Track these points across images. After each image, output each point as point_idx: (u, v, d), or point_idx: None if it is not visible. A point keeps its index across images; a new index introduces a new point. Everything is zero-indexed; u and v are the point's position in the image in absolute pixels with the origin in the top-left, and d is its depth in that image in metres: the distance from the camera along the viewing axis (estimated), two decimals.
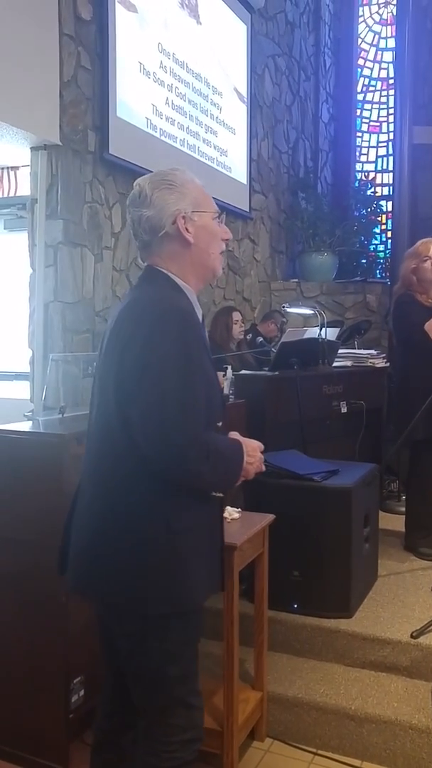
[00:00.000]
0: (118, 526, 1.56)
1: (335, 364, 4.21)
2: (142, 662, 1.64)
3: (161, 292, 1.60)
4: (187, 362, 1.51)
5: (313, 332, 4.20)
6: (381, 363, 4.49)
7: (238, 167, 5.84)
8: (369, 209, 7.46)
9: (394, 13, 7.97)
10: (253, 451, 1.71)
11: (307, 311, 4.70)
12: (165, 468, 1.50)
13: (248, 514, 2.50)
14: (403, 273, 3.66)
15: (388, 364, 4.51)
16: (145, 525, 1.54)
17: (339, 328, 4.82)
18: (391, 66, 8.21)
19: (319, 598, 2.92)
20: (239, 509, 2.49)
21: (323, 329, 4.05)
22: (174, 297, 1.60)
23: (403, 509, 3.90)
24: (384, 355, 4.68)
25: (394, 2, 7.80)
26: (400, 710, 2.50)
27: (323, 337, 4.02)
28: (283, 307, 4.62)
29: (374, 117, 8.48)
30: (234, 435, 1.76)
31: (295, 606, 2.92)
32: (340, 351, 4.35)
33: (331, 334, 4.30)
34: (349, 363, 4.32)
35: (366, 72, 8.53)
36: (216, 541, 1.72)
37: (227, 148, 5.61)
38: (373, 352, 4.62)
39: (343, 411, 4.09)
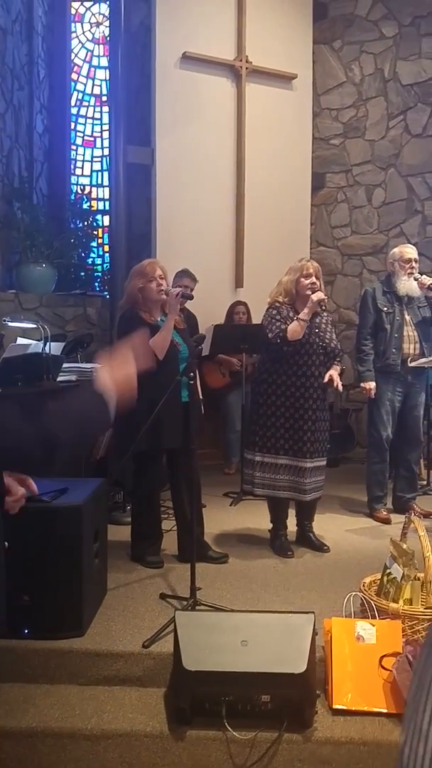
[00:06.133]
0: None
1: (60, 378, 4.18)
2: None
3: None
4: None
5: (36, 346, 4.13)
6: None
7: None
8: (85, 223, 7.52)
9: (106, 34, 8.16)
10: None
11: (30, 325, 4.60)
12: None
13: None
14: (130, 290, 3.75)
15: None
16: None
17: (63, 342, 4.79)
18: (104, 83, 8.37)
19: (51, 620, 2.88)
20: None
21: (47, 343, 4.00)
22: None
23: (129, 520, 4.00)
24: None
25: (106, 24, 7.98)
26: (135, 720, 2.56)
27: (47, 351, 3.96)
28: (4, 320, 4.47)
29: (88, 132, 8.55)
30: None
31: (26, 631, 2.84)
32: (64, 365, 4.32)
33: (55, 348, 4.26)
34: (74, 377, 4.32)
35: (80, 87, 8.56)
36: None
37: None
38: (97, 365, 4.65)
39: None
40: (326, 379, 3.83)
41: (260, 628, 2.56)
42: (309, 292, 3.79)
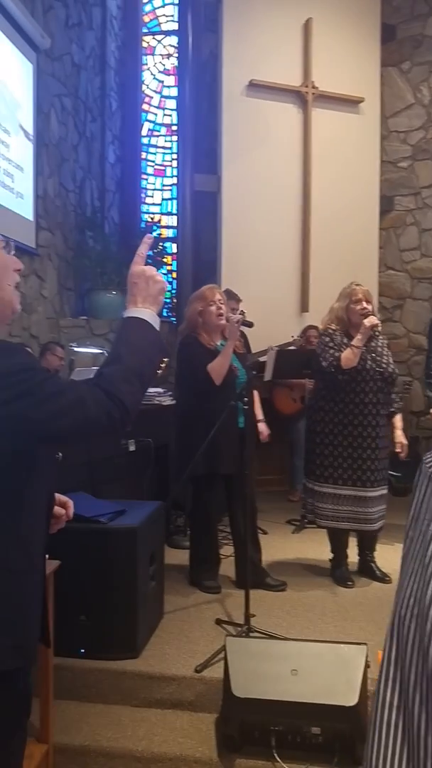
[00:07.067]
0: None
1: None
2: None
3: None
4: None
5: None
6: (168, 401, 4.63)
7: (24, 203, 5.76)
8: (155, 250, 7.68)
9: (177, 65, 8.38)
10: None
11: (95, 350, 4.73)
12: None
13: None
14: (189, 315, 3.83)
15: (174, 402, 4.65)
16: None
17: None
18: (174, 113, 8.58)
19: (106, 640, 2.93)
20: None
21: None
22: None
23: (189, 544, 4.03)
24: (170, 393, 4.83)
25: (177, 55, 8.20)
26: (185, 745, 2.57)
27: None
28: (71, 346, 4.61)
29: (159, 161, 8.78)
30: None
31: (83, 651, 2.90)
32: None
33: None
34: None
35: (151, 117, 8.82)
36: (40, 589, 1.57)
37: (14, 185, 5.52)
38: (159, 390, 4.75)
39: (131, 449, 4.14)
40: (398, 447, 3.88)
41: (311, 657, 2.54)
42: (361, 318, 3.74)
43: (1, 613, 1.41)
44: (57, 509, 1.70)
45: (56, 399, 1.37)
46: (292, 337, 5.96)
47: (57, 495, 1.71)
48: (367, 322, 3.69)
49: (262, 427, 4.29)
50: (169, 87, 8.76)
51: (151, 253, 7.70)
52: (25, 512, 1.46)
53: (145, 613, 3.07)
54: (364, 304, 3.78)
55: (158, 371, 1.42)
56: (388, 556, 4.30)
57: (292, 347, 5.91)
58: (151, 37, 8.84)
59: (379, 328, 3.89)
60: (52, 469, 1.63)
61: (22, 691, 1.49)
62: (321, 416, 3.85)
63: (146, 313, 1.52)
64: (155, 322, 1.53)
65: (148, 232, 7.44)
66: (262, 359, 5.20)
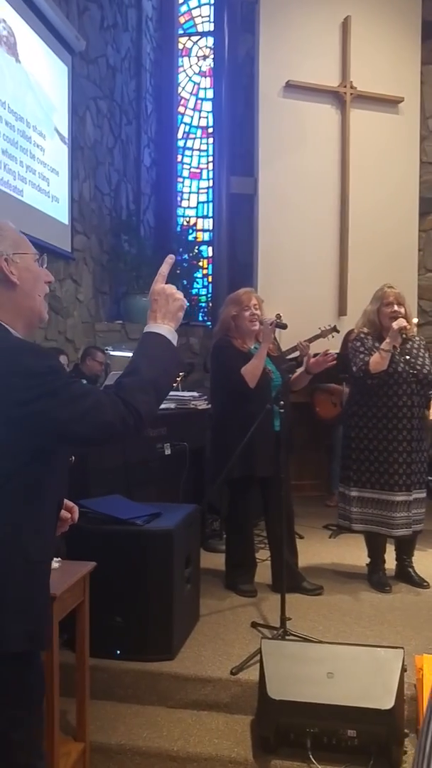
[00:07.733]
0: None
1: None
2: None
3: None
4: None
5: None
6: (203, 405, 4.64)
7: (59, 207, 5.84)
8: (191, 254, 7.71)
9: (213, 67, 8.41)
10: None
11: (131, 354, 4.76)
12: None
13: (68, 563, 2.48)
14: (223, 318, 3.84)
15: (210, 406, 4.67)
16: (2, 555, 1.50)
17: None
18: (210, 115, 8.60)
19: (142, 642, 2.94)
20: (59, 558, 2.46)
21: None
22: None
23: (225, 548, 4.03)
24: (206, 397, 4.85)
25: (212, 56, 8.23)
26: (221, 746, 2.57)
27: None
28: (107, 349, 4.66)
29: (195, 163, 8.81)
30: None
31: (118, 652, 2.92)
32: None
33: None
34: (172, 405, 4.42)
35: (186, 119, 8.86)
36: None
37: (49, 189, 5.60)
38: (195, 394, 4.77)
39: (167, 453, 4.17)
40: None
41: (346, 660, 2.53)
42: (391, 321, 3.66)
43: (16, 601, 1.50)
44: (63, 513, 1.79)
45: (79, 401, 1.47)
46: (320, 329, 5.88)
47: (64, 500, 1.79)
48: (395, 325, 3.62)
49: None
50: (204, 89, 8.80)
51: (186, 256, 7.77)
52: (41, 506, 1.56)
53: (181, 616, 3.08)
54: (395, 307, 3.72)
55: (174, 384, 1.54)
56: (426, 562, 4.25)
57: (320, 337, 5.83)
58: (187, 38, 8.88)
59: (414, 330, 3.83)
60: (65, 472, 1.72)
61: (36, 670, 1.60)
62: (355, 421, 3.82)
63: (165, 329, 1.62)
64: (173, 338, 1.63)
65: (183, 236, 7.53)
66: (291, 356, 5.16)
